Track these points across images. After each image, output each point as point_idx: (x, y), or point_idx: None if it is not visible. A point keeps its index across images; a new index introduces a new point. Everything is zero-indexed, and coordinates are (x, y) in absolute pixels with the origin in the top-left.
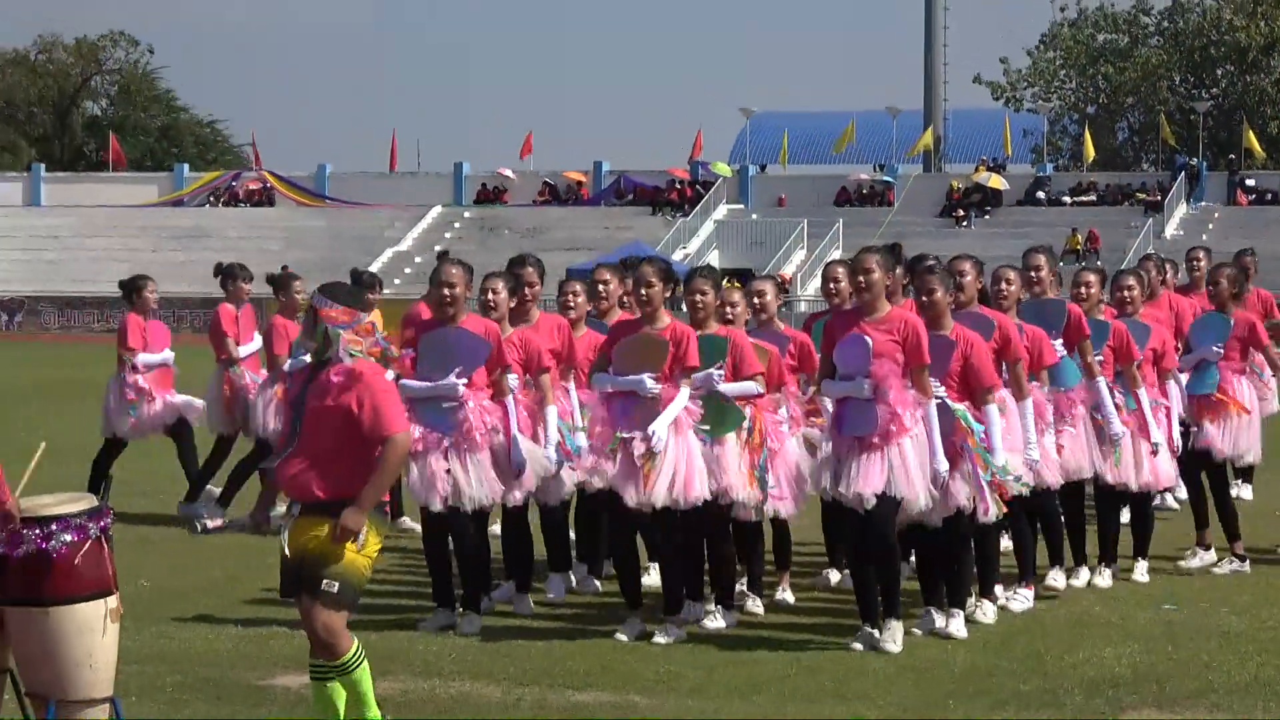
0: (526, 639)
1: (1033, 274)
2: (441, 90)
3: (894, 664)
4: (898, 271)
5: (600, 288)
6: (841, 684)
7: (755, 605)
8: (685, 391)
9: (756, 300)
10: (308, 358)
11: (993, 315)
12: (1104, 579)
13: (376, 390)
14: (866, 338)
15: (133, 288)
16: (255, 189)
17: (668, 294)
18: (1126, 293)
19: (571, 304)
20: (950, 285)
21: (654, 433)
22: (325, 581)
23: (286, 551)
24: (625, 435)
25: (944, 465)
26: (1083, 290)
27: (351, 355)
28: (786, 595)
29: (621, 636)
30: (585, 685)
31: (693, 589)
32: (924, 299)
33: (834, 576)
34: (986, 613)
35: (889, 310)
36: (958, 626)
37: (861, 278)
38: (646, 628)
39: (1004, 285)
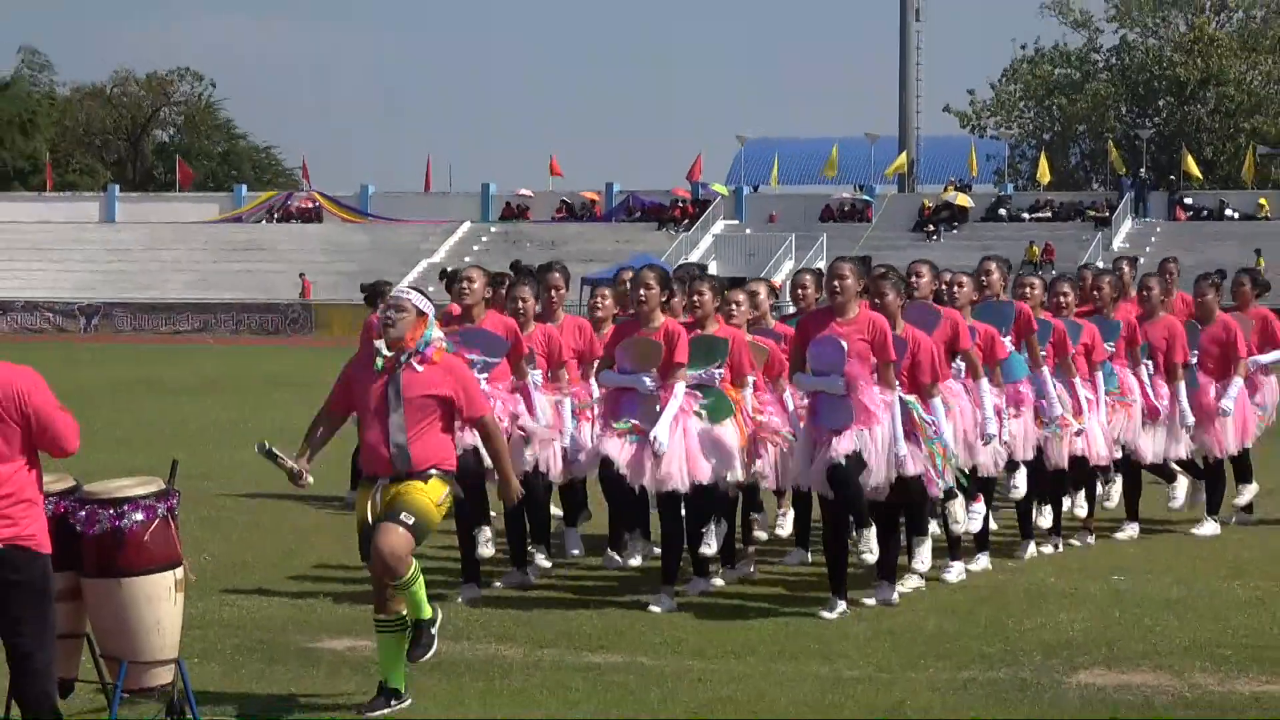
0: (544, 607)
1: (983, 279)
2: (470, 118)
3: (871, 627)
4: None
5: (643, 292)
6: (826, 645)
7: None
8: (680, 389)
9: (734, 308)
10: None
11: (941, 309)
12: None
13: (468, 380)
14: (842, 341)
15: (375, 291)
16: (305, 207)
17: (664, 298)
18: (1062, 298)
19: (599, 306)
20: (901, 289)
21: (656, 438)
22: (404, 514)
23: (370, 518)
24: (634, 421)
25: (903, 449)
26: (1026, 290)
27: (434, 347)
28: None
29: (655, 608)
30: (599, 648)
31: (696, 563)
32: (876, 301)
33: (800, 556)
34: (953, 572)
35: (859, 312)
36: (921, 559)
37: (836, 283)
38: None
39: (956, 288)
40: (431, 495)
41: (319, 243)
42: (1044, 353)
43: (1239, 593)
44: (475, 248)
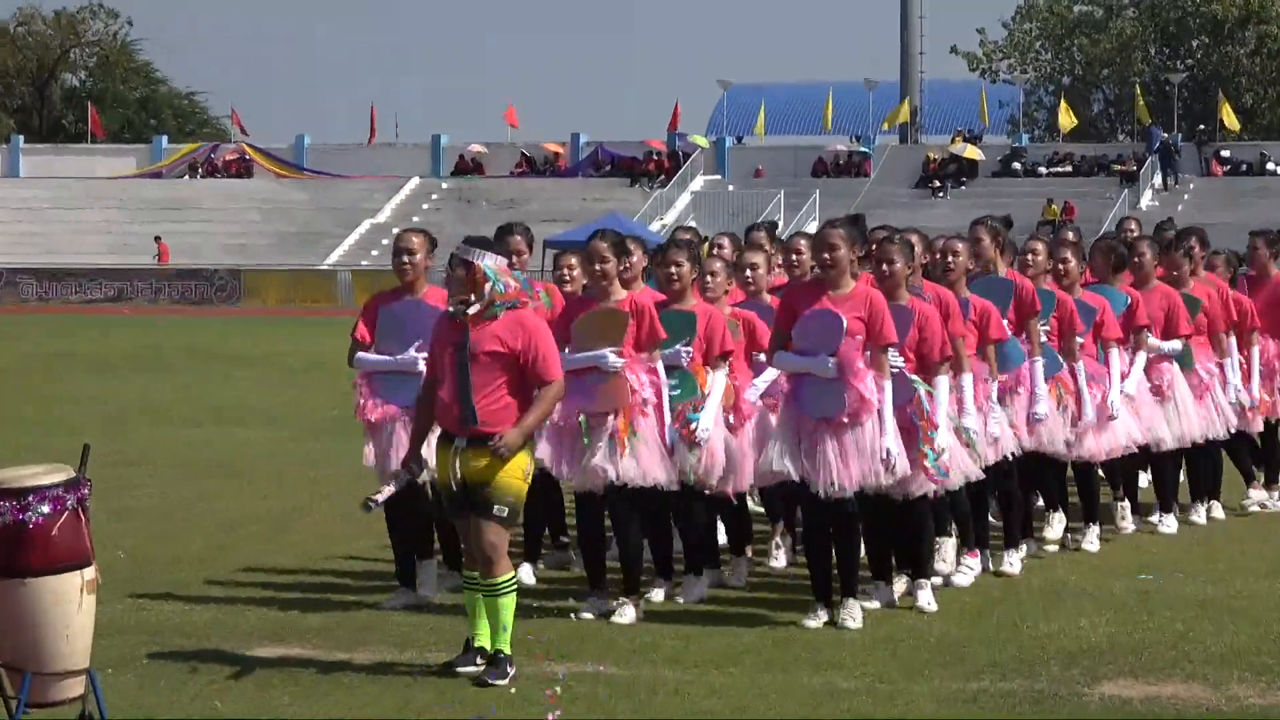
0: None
1: (975, 248)
2: (419, 61)
3: (868, 634)
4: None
5: (598, 265)
6: (816, 654)
7: (657, 593)
8: (720, 377)
9: (749, 273)
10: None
11: (933, 289)
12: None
13: (540, 338)
14: (842, 317)
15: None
16: (234, 160)
17: (622, 268)
18: (1062, 265)
19: (567, 276)
20: (909, 255)
21: (704, 428)
22: (497, 507)
23: (454, 482)
24: (590, 414)
25: (894, 446)
26: (1029, 258)
27: (506, 301)
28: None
29: (619, 619)
30: (562, 656)
31: (661, 567)
32: (884, 268)
33: (780, 560)
34: (947, 554)
35: (853, 286)
36: (926, 599)
37: (827, 254)
38: (610, 605)
39: (951, 258)
40: (514, 469)
41: (249, 201)
42: (1046, 328)
43: None
44: (424, 206)
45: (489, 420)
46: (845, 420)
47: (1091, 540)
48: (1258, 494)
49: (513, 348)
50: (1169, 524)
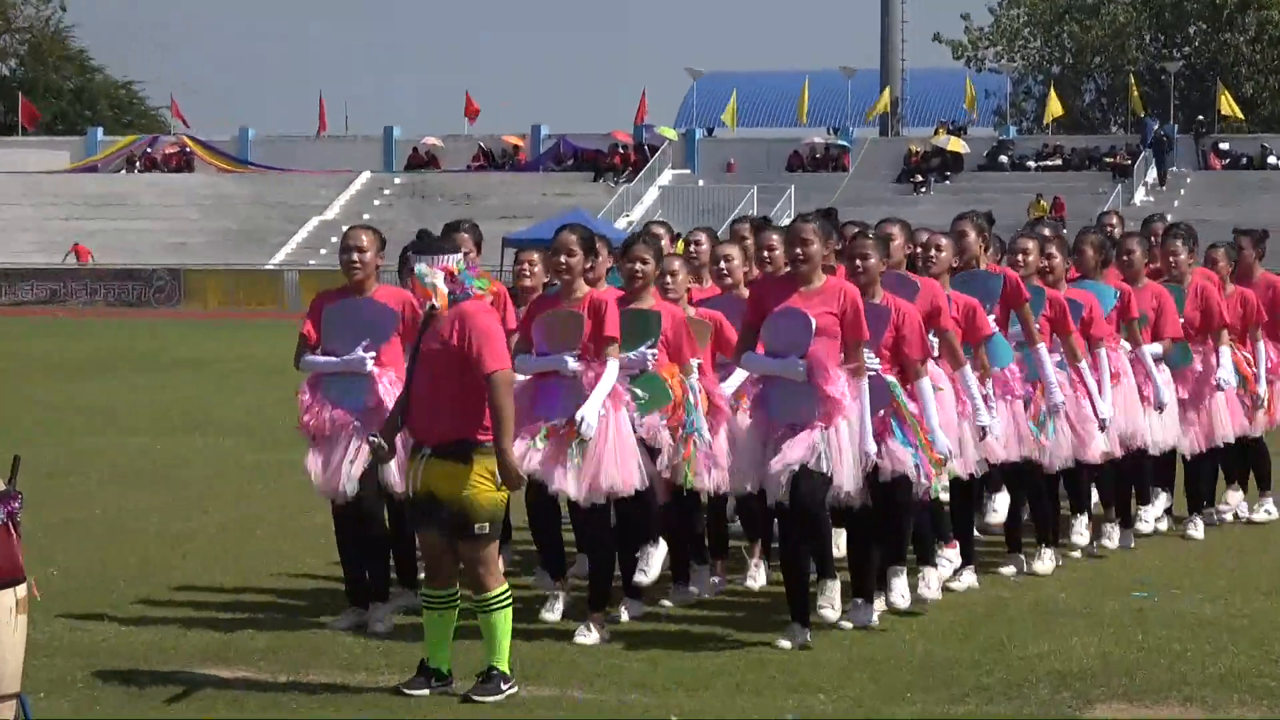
0: (461, 637)
1: (960, 243)
2: (371, 49)
3: (847, 654)
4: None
5: (563, 259)
6: (792, 675)
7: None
8: (612, 367)
9: (724, 264)
10: None
11: (918, 279)
12: (1044, 563)
13: (478, 328)
14: (810, 316)
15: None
16: (173, 154)
17: (589, 265)
18: (1048, 261)
19: (527, 274)
20: (884, 251)
21: (582, 419)
22: (478, 526)
23: (414, 490)
24: (554, 422)
25: (872, 448)
26: (1020, 258)
27: (454, 294)
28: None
29: (581, 640)
30: (523, 679)
31: (629, 586)
32: (857, 264)
33: (759, 579)
34: (930, 582)
35: (825, 280)
36: (930, 586)
37: (799, 249)
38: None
39: (934, 252)
40: (487, 481)
41: (190, 197)
42: (1035, 328)
43: None
44: (376, 203)
45: (448, 426)
46: (818, 425)
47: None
48: (1234, 497)
49: (452, 344)
50: (1198, 527)
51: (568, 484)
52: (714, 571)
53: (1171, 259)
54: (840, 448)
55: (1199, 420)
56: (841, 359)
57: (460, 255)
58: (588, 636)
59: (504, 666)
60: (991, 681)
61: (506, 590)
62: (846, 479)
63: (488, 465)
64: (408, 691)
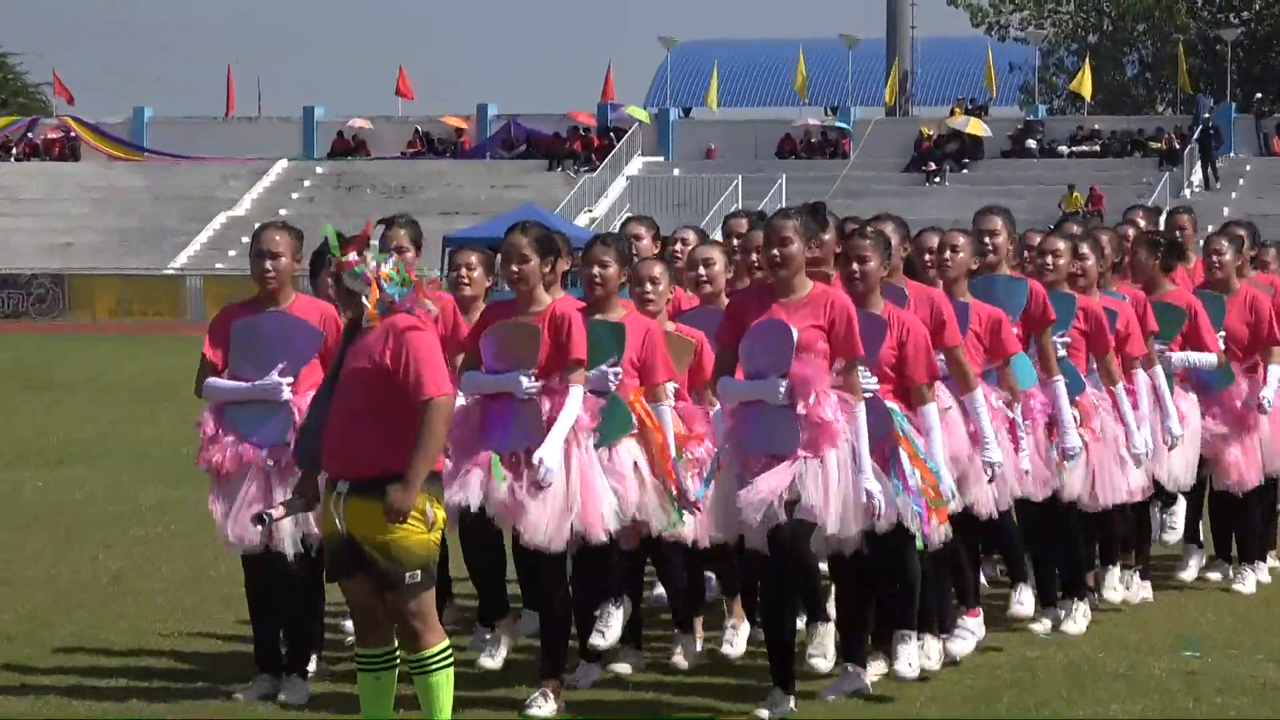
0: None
1: (986, 241)
2: (288, 16)
3: None
4: (827, 238)
5: (514, 266)
6: None
7: (623, 665)
8: (577, 395)
9: (703, 270)
10: None
11: (921, 290)
12: (1075, 622)
13: (416, 347)
14: (791, 328)
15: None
16: (56, 139)
17: (547, 269)
18: (1080, 264)
19: (466, 279)
20: (885, 253)
21: (541, 461)
22: (409, 575)
23: (341, 529)
24: (500, 450)
25: (875, 487)
26: (1048, 260)
27: (386, 300)
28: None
29: (534, 711)
30: None
31: (584, 649)
32: (854, 268)
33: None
34: (930, 654)
35: (810, 288)
36: (907, 659)
37: (777, 250)
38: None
39: (949, 254)
40: (415, 523)
41: (76, 189)
42: (1065, 340)
43: None
44: (294, 195)
45: (370, 459)
46: (801, 455)
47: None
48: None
49: (384, 364)
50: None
51: (538, 532)
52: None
53: (1216, 259)
54: (828, 483)
55: (1243, 452)
56: (832, 380)
57: (394, 259)
58: (542, 708)
59: None
60: None
61: (447, 646)
62: (832, 520)
63: (421, 501)
64: None
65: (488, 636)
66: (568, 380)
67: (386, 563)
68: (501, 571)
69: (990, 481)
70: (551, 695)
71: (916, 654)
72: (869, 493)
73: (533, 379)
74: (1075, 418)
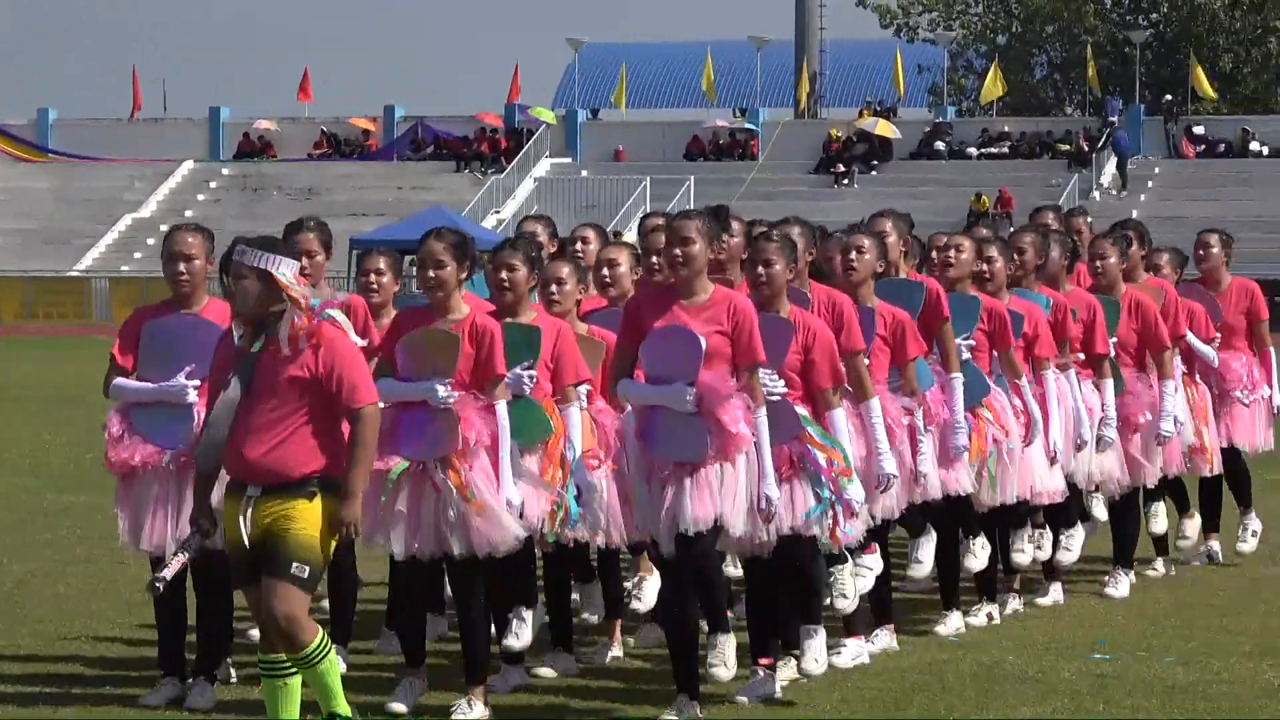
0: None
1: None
2: (194, 17)
3: None
4: (734, 241)
5: (432, 272)
6: None
7: (546, 669)
8: (503, 412)
9: (607, 271)
10: None
11: (824, 293)
12: (978, 618)
13: (343, 356)
14: (699, 338)
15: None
16: None
17: (464, 275)
18: (987, 265)
19: (374, 285)
20: (791, 257)
21: (509, 502)
22: (296, 565)
23: (246, 539)
24: (411, 457)
25: (774, 492)
26: (951, 255)
27: (295, 319)
28: (614, 650)
29: (398, 706)
30: None
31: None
32: (760, 272)
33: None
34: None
35: (712, 291)
36: (814, 654)
37: (679, 250)
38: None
39: (855, 256)
40: (317, 521)
41: None
42: (970, 343)
43: (1269, 676)
44: (200, 197)
45: (287, 465)
46: (709, 463)
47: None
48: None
49: (314, 370)
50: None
51: (399, 542)
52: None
53: (1100, 264)
54: (735, 489)
55: (1127, 457)
56: (736, 384)
57: (297, 265)
58: (468, 713)
59: (345, 711)
60: None
61: (323, 637)
62: (737, 524)
63: (329, 507)
64: None
65: (394, 642)
66: (491, 396)
67: (279, 549)
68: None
69: (883, 492)
70: (476, 701)
71: (823, 650)
72: (768, 498)
73: (449, 387)
74: (988, 418)
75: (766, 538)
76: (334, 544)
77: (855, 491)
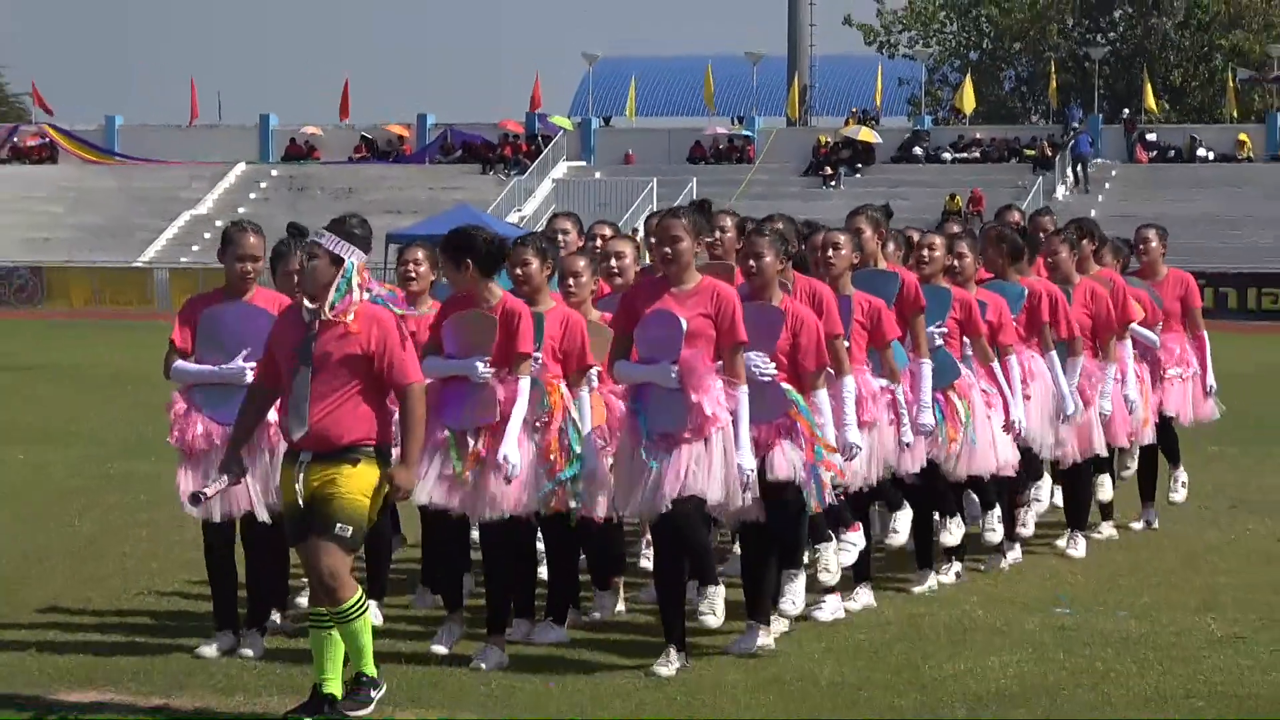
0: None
1: (855, 240)
2: (246, 32)
3: (752, 676)
4: (729, 235)
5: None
6: (693, 697)
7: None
8: (525, 386)
9: (614, 262)
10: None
11: (807, 283)
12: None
13: (393, 336)
14: (680, 318)
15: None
16: (35, 145)
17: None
18: (958, 261)
19: (414, 274)
20: (782, 250)
21: (505, 458)
22: (339, 526)
23: (301, 501)
24: (454, 428)
25: (749, 463)
26: (924, 253)
27: (351, 298)
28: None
29: (439, 648)
30: (410, 702)
31: (522, 604)
32: (751, 264)
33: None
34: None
35: (699, 280)
36: (793, 596)
37: (668, 248)
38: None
39: (832, 252)
40: (362, 485)
41: (53, 189)
42: (943, 330)
43: (1212, 629)
44: (252, 196)
45: (337, 432)
46: (687, 437)
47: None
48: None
49: (366, 349)
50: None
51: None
52: (613, 592)
53: (1051, 259)
54: (710, 462)
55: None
56: (717, 365)
57: (365, 257)
58: (487, 660)
59: (372, 671)
60: (905, 704)
61: (361, 596)
62: (714, 493)
63: (373, 473)
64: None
65: (430, 596)
66: (516, 372)
67: (326, 511)
68: (459, 566)
69: (849, 460)
70: (496, 648)
71: (802, 593)
72: (740, 467)
73: (487, 365)
74: (955, 399)
75: (742, 503)
76: (377, 507)
77: (834, 461)
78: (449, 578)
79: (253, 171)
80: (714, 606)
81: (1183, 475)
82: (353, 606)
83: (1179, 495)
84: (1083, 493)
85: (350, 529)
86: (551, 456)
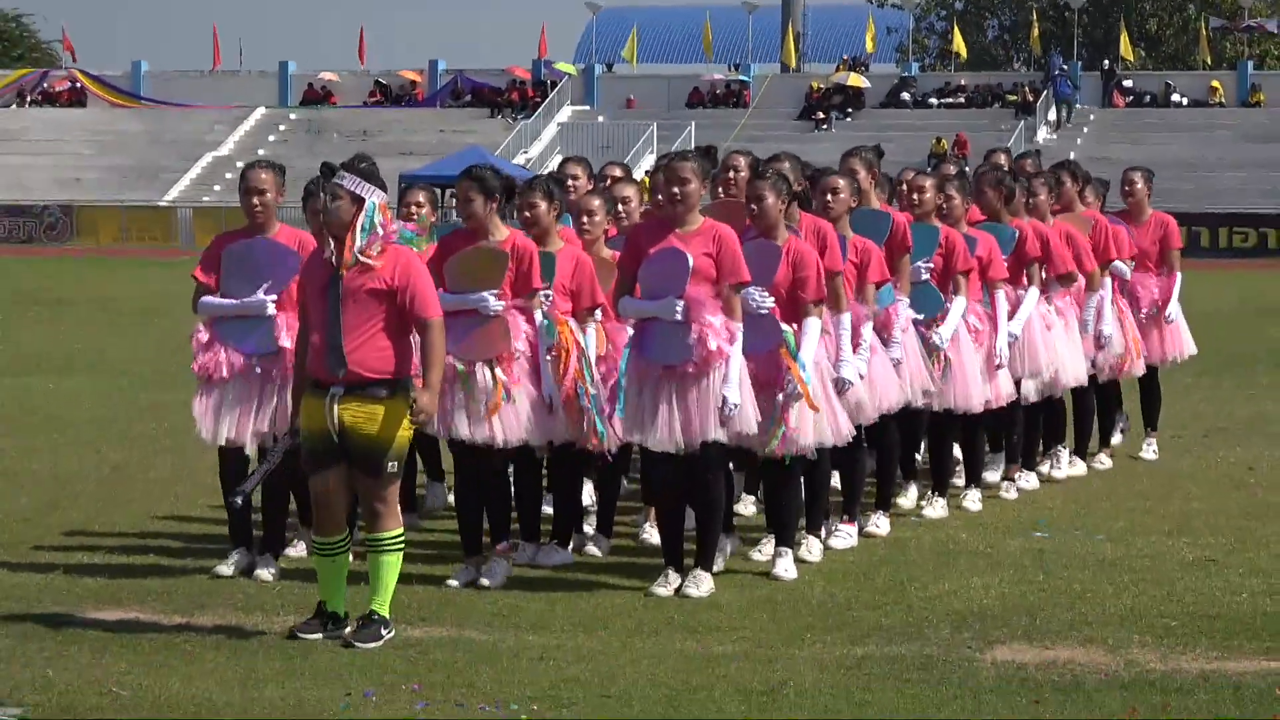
0: (358, 581)
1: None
2: None
3: (746, 596)
4: (742, 174)
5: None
6: (690, 617)
7: (596, 547)
8: (593, 332)
9: (621, 207)
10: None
11: (811, 220)
12: (935, 509)
13: (416, 273)
14: (687, 255)
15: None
16: (66, 89)
17: (493, 205)
18: (946, 203)
19: (415, 216)
20: (783, 191)
21: (550, 398)
22: (390, 465)
23: (334, 431)
24: (463, 359)
25: (735, 396)
26: (915, 196)
27: (375, 235)
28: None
29: (454, 583)
30: (420, 620)
31: (528, 528)
32: (753, 207)
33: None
34: (812, 550)
35: (701, 221)
36: (785, 567)
37: (677, 189)
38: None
39: (831, 196)
40: (399, 419)
41: (82, 131)
42: (929, 265)
43: (1185, 552)
44: (270, 138)
45: (367, 365)
46: (691, 370)
47: (974, 500)
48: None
49: (390, 284)
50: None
51: (490, 431)
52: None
53: (1031, 200)
54: (709, 401)
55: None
56: (719, 300)
57: (385, 196)
58: (492, 576)
59: (385, 611)
60: (891, 622)
61: (401, 534)
62: (711, 427)
63: (404, 406)
64: (301, 635)
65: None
66: (528, 305)
67: (373, 450)
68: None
69: (841, 395)
70: (504, 560)
71: (791, 565)
72: (724, 398)
73: (498, 297)
74: (941, 336)
75: (727, 435)
76: (410, 434)
77: (814, 389)
78: (467, 515)
79: (272, 115)
80: (701, 587)
81: (1155, 443)
82: (390, 538)
83: (1149, 454)
84: (1059, 418)
85: (395, 463)
86: (579, 387)
